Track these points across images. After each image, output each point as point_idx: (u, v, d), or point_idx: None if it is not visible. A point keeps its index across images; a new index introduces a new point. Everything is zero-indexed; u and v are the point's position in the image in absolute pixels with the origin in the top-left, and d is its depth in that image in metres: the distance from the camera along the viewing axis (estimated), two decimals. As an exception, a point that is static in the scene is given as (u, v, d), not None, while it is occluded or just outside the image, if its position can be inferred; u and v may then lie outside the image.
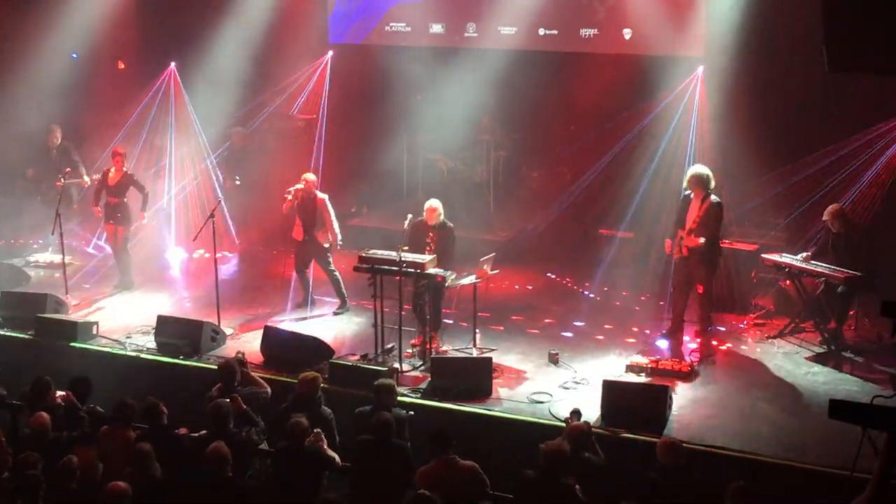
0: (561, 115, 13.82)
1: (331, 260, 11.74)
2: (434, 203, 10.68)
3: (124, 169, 12.55)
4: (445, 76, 14.38)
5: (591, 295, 12.28)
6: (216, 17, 14.45)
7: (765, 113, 12.48)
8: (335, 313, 11.75)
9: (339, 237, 11.68)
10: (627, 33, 13.51)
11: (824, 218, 10.62)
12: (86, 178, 13.84)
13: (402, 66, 14.43)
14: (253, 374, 9.18)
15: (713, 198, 10.52)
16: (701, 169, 10.66)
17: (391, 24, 14.96)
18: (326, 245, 11.65)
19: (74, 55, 15.26)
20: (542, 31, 14.05)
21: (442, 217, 10.64)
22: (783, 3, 12.14)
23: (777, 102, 12.30)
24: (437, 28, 14.73)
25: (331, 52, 15.07)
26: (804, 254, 10.73)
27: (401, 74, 14.46)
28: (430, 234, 10.60)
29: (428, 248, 10.50)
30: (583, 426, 7.91)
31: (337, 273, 11.75)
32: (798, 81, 12.23)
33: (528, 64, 13.79)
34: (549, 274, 12.92)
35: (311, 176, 11.74)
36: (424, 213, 10.66)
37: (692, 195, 10.62)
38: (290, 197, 11.53)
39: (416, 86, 14.53)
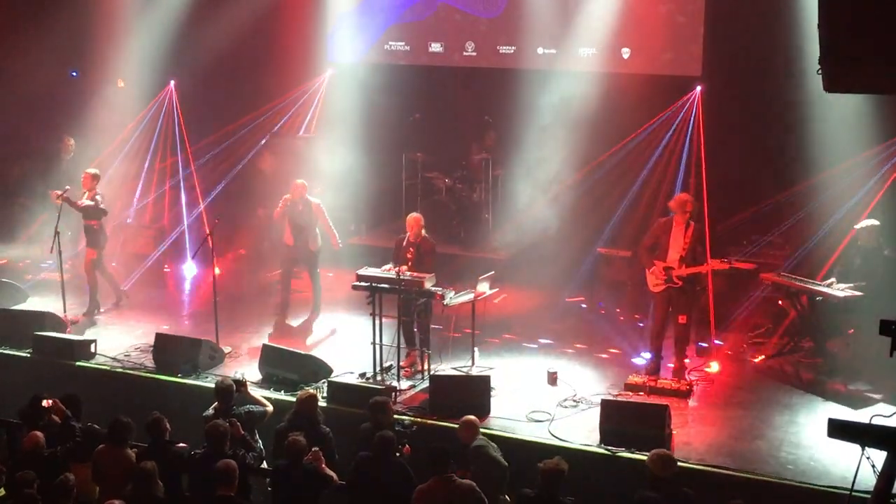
0: (559, 133, 13.84)
1: (318, 267, 11.90)
2: (416, 214, 10.78)
3: (97, 190, 12.24)
4: (444, 95, 14.39)
5: (587, 310, 12.30)
6: (215, 35, 14.49)
7: (763, 132, 12.49)
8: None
9: (339, 237, 11.92)
10: (626, 52, 13.57)
11: (855, 227, 10.49)
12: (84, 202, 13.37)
13: (401, 85, 14.47)
14: (253, 393, 9.15)
15: (693, 222, 10.29)
16: (683, 194, 10.54)
17: (390, 43, 15.02)
18: (315, 250, 11.78)
19: (74, 73, 15.29)
20: (540, 50, 14.11)
21: (423, 231, 10.66)
22: (781, 23, 12.18)
23: (775, 122, 12.32)
24: (436, 47, 14.78)
25: (330, 71, 15.13)
26: (830, 279, 10.48)
27: (399, 93, 14.50)
28: (410, 250, 10.59)
29: (408, 264, 10.47)
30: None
31: (319, 282, 11.91)
32: (796, 100, 12.26)
33: (527, 83, 13.83)
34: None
35: (301, 181, 11.82)
36: (407, 226, 10.68)
37: (674, 221, 10.27)
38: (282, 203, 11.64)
39: (415, 104, 14.57)
